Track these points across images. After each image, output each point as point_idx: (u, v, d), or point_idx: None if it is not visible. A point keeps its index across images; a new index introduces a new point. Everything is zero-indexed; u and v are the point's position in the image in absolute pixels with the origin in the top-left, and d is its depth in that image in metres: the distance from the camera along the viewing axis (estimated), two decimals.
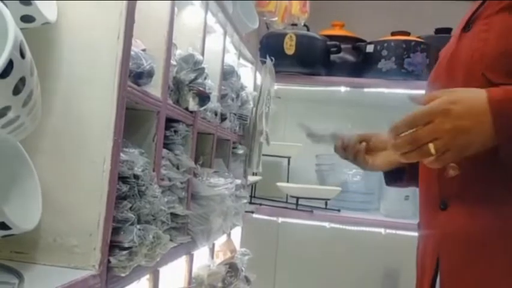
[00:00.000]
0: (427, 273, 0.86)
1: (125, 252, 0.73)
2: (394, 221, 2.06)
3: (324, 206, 2.13)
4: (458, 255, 0.81)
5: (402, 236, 1.99)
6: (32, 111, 0.56)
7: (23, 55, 0.50)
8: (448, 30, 2.07)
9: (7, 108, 0.51)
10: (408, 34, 2.17)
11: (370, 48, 2.19)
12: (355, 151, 1.06)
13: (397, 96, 2.10)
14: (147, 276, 0.94)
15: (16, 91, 0.51)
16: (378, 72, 2.13)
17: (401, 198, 2.14)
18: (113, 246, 0.73)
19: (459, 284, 0.80)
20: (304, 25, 2.20)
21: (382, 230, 2.06)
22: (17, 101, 0.51)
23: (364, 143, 1.06)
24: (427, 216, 0.90)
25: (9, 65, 0.48)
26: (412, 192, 1.99)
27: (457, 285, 0.81)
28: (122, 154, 0.76)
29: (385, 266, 2.44)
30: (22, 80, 0.51)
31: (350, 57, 2.27)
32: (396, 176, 1.07)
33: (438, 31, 2.20)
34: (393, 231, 2.05)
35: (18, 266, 0.66)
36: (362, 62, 2.24)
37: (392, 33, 2.19)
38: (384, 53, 2.13)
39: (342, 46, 2.20)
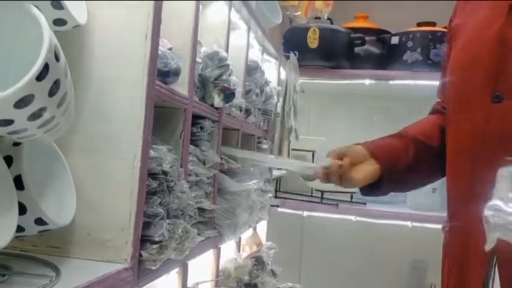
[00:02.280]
0: (477, 270, 0.82)
1: (155, 246, 0.75)
2: (421, 214, 2.04)
3: (349, 200, 2.13)
4: None
5: (429, 228, 1.97)
6: (66, 112, 0.58)
7: (57, 58, 0.52)
8: None
9: (43, 109, 0.53)
10: (434, 24, 2.13)
11: (395, 40, 2.17)
12: (339, 172, 0.98)
13: (423, 88, 2.07)
14: (177, 269, 0.97)
15: (51, 93, 0.53)
16: (403, 64, 2.10)
17: (428, 191, 2.11)
18: (143, 240, 0.75)
19: None
20: (328, 18, 2.19)
21: (408, 223, 2.04)
22: (52, 102, 0.54)
23: (346, 159, 0.98)
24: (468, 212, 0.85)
25: (45, 68, 0.50)
26: (440, 184, 1.97)
27: None
28: (151, 151, 0.78)
29: (412, 258, 2.42)
30: (57, 82, 0.53)
31: (374, 50, 2.25)
32: (374, 186, 1.01)
33: None
34: (420, 224, 2.03)
35: (54, 260, 0.69)
36: (387, 54, 2.21)
37: (418, 24, 2.16)
38: (410, 44, 2.10)
39: (366, 38, 2.17)
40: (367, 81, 2.21)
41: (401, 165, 1.00)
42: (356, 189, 2.13)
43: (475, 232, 0.80)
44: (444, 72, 1.01)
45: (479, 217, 0.73)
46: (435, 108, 1.09)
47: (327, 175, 1.00)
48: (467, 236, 0.86)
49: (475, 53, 0.88)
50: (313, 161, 2.31)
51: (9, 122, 0.51)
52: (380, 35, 2.24)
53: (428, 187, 2.14)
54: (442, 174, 1.01)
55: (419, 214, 2.05)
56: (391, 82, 2.19)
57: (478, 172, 0.84)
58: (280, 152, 1.76)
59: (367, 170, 0.99)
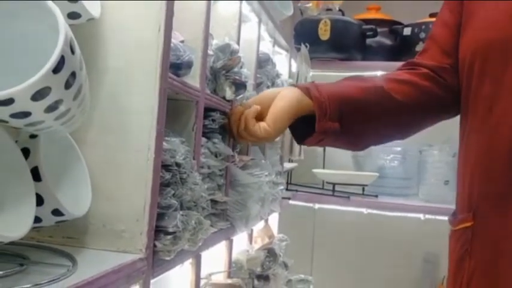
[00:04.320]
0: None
1: (169, 236, 0.76)
2: (434, 206, 2.03)
3: (361, 192, 2.13)
4: None
5: (442, 221, 1.95)
6: (82, 104, 0.59)
7: (73, 51, 0.53)
8: None
9: (59, 102, 0.54)
10: None
11: (407, 31, 2.15)
12: (240, 118, 0.82)
13: None
14: (190, 260, 0.98)
15: (67, 85, 0.53)
16: (416, 55, 2.09)
17: (440, 183, 2.10)
18: (158, 231, 0.76)
19: None
20: (339, 10, 2.17)
21: (421, 216, 2.04)
22: (68, 94, 0.54)
23: (254, 107, 0.83)
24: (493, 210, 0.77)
25: (61, 60, 0.51)
26: (452, 176, 1.96)
27: None
28: (164, 143, 0.79)
29: (425, 251, 2.41)
30: (73, 75, 0.54)
31: (387, 41, 2.23)
32: (307, 129, 0.85)
33: None
34: (432, 217, 2.02)
35: (70, 250, 0.70)
36: (399, 45, 2.20)
37: (431, 15, 2.13)
38: (422, 35, 2.08)
39: (378, 30, 2.16)
40: (379, 73, 2.17)
41: (345, 100, 0.84)
42: (368, 182, 2.13)
43: (509, 233, 0.74)
44: (434, 40, 0.93)
45: None
46: (404, 65, 0.97)
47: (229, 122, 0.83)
48: (497, 236, 0.77)
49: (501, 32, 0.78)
50: (324, 154, 2.31)
51: (26, 115, 0.52)
52: (392, 27, 2.22)
53: (441, 179, 2.14)
54: (401, 130, 0.91)
55: (431, 206, 2.04)
56: None
57: None
58: (291, 145, 1.76)
59: (279, 106, 0.81)
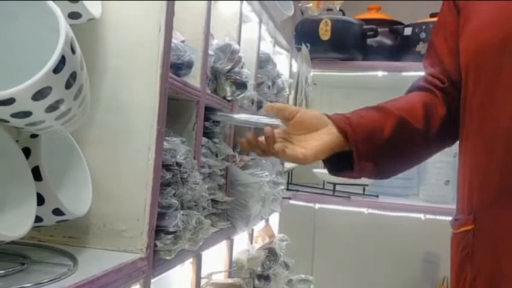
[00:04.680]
0: None
1: (170, 236, 0.77)
2: (434, 206, 2.03)
3: (361, 192, 2.13)
4: None
5: (442, 221, 1.96)
6: (82, 104, 0.59)
7: (73, 51, 0.53)
8: None
9: (60, 101, 0.54)
10: None
11: (408, 31, 2.15)
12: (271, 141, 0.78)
13: None
14: (191, 259, 0.98)
15: (68, 85, 0.54)
16: (417, 55, 2.08)
17: (441, 183, 2.10)
18: (158, 230, 0.76)
19: None
20: (340, 10, 2.18)
21: (421, 216, 2.04)
22: (68, 94, 0.55)
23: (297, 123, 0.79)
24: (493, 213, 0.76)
25: (62, 60, 0.51)
26: (453, 176, 1.96)
27: None
28: (164, 143, 0.79)
29: (425, 251, 2.41)
30: (73, 75, 0.54)
31: (387, 41, 2.23)
32: (342, 163, 0.85)
33: None
34: (433, 217, 2.02)
35: (71, 250, 0.71)
36: (400, 45, 2.19)
37: (431, 15, 2.13)
38: (423, 35, 2.08)
39: (379, 30, 2.16)
40: (380, 73, 2.19)
41: (379, 141, 0.84)
42: (369, 182, 2.13)
43: (508, 235, 0.73)
44: (435, 46, 0.93)
45: None
46: (419, 86, 0.95)
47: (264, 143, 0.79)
48: (498, 239, 0.75)
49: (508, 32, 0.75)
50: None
51: (27, 114, 0.52)
52: (393, 26, 2.22)
53: (441, 179, 2.14)
54: (420, 160, 0.92)
55: (431, 206, 2.04)
56: (403, 74, 2.17)
57: None
58: None
59: (323, 140, 0.80)
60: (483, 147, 0.79)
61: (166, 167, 0.80)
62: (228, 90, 1.11)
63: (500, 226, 0.75)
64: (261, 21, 1.41)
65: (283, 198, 1.72)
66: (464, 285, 0.80)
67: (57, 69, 0.51)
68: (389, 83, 2.35)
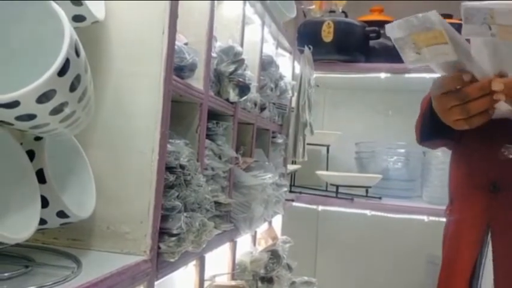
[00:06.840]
0: (469, 257, 0.87)
1: (173, 238, 0.77)
2: (437, 208, 2.02)
3: (364, 194, 2.12)
4: (510, 237, 0.80)
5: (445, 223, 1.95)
6: (87, 107, 0.59)
7: (78, 54, 0.53)
8: None
9: (64, 104, 0.54)
10: (450, 17, 2.10)
11: None
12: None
13: None
14: (194, 261, 0.98)
15: (72, 88, 0.54)
16: None
17: (444, 184, 2.09)
18: (162, 233, 0.76)
19: None
20: (342, 12, 2.18)
21: (425, 217, 2.03)
22: (73, 97, 0.55)
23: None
24: (473, 199, 0.88)
25: (66, 63, 0.51)
26: None
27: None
28: (168, 145, 0.79)
29: (428, 253, 2.40)
30: (77, 77, 0.54)
31: (390, 43, 2.22)
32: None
33: None
34: (436, 219, 2.01)
35: (75, 252, 0.71)
36: None
37: None
38: None
39: (381, 31, 2.16)
40: (383, 75, 2.19)
41: None
42: (372, 184, 2.12)
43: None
44: None
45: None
46: None
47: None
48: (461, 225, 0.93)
49: None
50: (327, 156, 2.31)
51: (31, 117, 0.52)
52: None
53: (444, 181, 2.12)
54: None
55: (435, 208, 2.03)
56: (406, 75, 2.17)
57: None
58: (295, 147, 1.76)
59: None
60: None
61: (170, 169, 0.80)
62: (231, 92, 1.11)
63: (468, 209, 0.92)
64: (263, 23, 1.41)
65: (286, 200, 1.72)
66: (443, 253, 1.05)
67: (61, 72, 0.51)
68: (392, 85, 2.35)
